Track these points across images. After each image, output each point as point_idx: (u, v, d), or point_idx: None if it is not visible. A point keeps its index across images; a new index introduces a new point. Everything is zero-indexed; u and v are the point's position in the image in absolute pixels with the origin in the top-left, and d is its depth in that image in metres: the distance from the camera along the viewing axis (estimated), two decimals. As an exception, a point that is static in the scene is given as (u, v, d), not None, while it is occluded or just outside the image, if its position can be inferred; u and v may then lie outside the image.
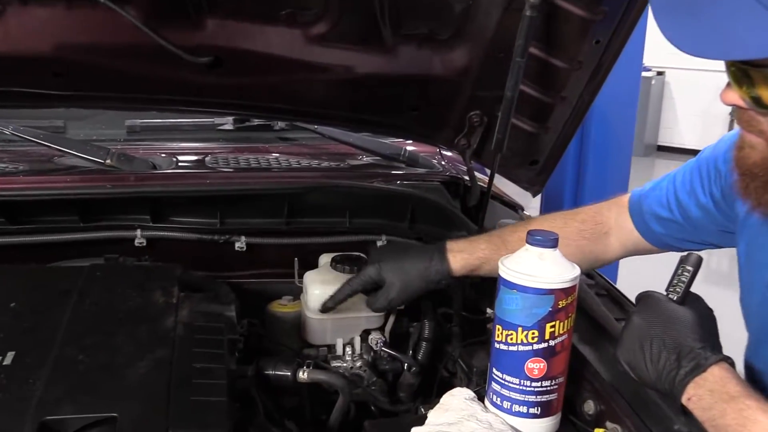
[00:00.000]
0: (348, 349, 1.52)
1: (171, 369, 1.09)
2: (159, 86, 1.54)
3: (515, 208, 1.95)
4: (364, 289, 1.40)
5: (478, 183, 1.81)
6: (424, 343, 1.51)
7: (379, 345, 1.51)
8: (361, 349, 1.53)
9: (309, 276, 1.54)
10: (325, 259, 1.62)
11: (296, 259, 1.62)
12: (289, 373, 1.34)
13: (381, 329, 1.55)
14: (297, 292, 1.60)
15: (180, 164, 1.86)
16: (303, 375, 1.35)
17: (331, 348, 1.54)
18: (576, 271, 1.13)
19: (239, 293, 1.56)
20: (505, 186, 1.94)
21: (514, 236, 1.34)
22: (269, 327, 1.58)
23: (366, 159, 2.03)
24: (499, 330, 1.15)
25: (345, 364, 1.51)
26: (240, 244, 1.71)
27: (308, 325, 1.52)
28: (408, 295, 1.36)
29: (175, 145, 2.04)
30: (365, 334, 1.54)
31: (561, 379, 1.15)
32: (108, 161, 1.72)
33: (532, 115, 1.63)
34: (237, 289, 1.60)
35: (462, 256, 1.35)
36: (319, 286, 1.50)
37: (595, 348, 1.27)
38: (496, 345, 1.16)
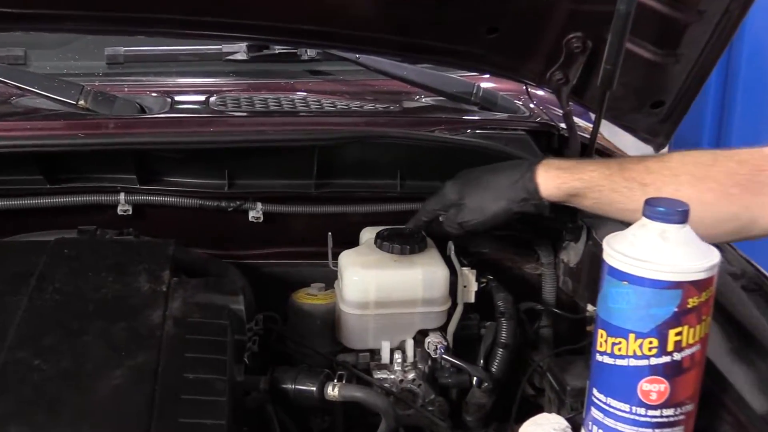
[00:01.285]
0: (397, 356, 1.52)
1: (156, 380, 1.08)
2: (149, 0, 1.54)
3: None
4: (443, 209, 1.52)
5: (579, 133, 1.78)
6: (500, 350, 1.52)
7: (439, 351, 1.50)
8: (414, 356, 1.53)
9: (346, 257, 1.55)
10: (368, 234, 1.63)
11: (329, 234, 1.62)
12: (314, 388, 1.34)
13: (442, 330, 1.55)
14: (331, 279, 1.61)
15: (176, 107, 1.86)
16: (332, 391, 1.36)
17: (374, 354, 1.54)
18: (714, 256, 1.10)
19: (252, 279, 1.58)
20: (616, 137, 1.91)
21: (639, 166, 1.36)
22: (292, 325, 1.59)
23: (425, 100, 2.01)
24: (602, 336, 1.13)
25: (392, 376, 1.52)
26: (255, 213, 1.72)
27: (344, 322, 1.52)
28: (485, 216, 1.46)
29: (170, 80, 2.04)
30: (421, 336, 1.54)
31: (690, 407, 1.13)
32: (81, 102, 1.72)
33: (655, 38, 1.60)
34: (250, 274, 1.60)
35: (558, 174, 1.40)
36: (359, 270, 1.50)
37: (739, 364, 1.24)
38: (599, 357, 1.14)
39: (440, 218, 1.56)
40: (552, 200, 1.42)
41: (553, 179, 1.41)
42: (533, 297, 1.71)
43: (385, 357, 1.53)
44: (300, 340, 1.56)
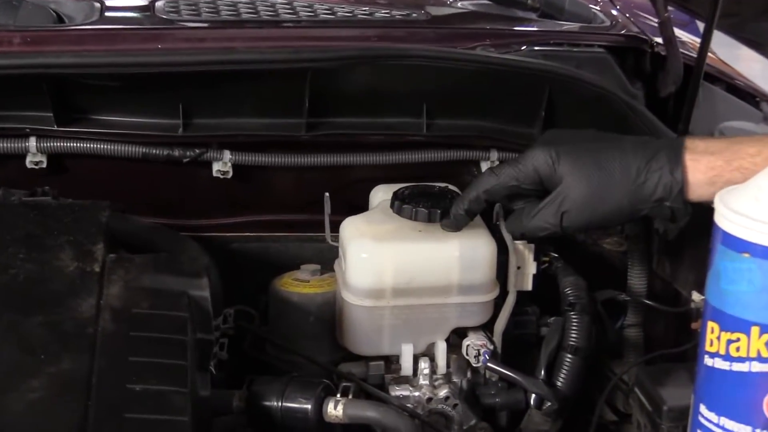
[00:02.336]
0: (424, 365, 1.55)
1: (88, 393, 1.09)
2: None
3: (756, 99, 1.93)
4: (520, 189, 1.47)
5: (681, 51, 1.81)
6: (568, 357, 1.55)
7: (482, 358, 1.53)
8: (448, 366, 1.56)
9: (351, 226, 1.57)
10: (381, 195, 1.66)
11: (326, 195, 1.64)
12: (308, 406, 1.36)
13: (487, 328, 1.58)
14: (329, 258, 1.65)
15: (108, 14, 1.88)
16: (335, 409, 1.37)
17: (391, 362, 1.58)
18: None
19: (219, 258, 1.61)
20: (736, 59, 1.97)
21: None
22: (275, 323, 1.63)
23: (461, 3, 2.04)
24: (713, 332, 1.14)
25: (417, 394, 1.54)
26: (221, 165, 1.76)
27: (349, 318, 1.55)
28: (599, 214, 1.43)
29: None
30: (457, 338, 1.58)
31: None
32: (-35, 8, 1.88)
33: None
34: (215, 252, 1.64)
35: (710, 163, 1.39)
36: (369, 244, 1.52)
37: None
38: (709, 361, 1.15)
39: (512, 204, 1.53)
40: (698, 201, 1.41)
41: (705, 171, 1.39)
42: (615, 283, 1.71)
43: (407, 367, 1.55)
44: (286, 345, 1.57)
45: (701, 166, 1.39)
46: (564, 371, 1.54)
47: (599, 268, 1.75)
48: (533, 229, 1.48)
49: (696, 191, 1.39)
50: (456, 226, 1.53)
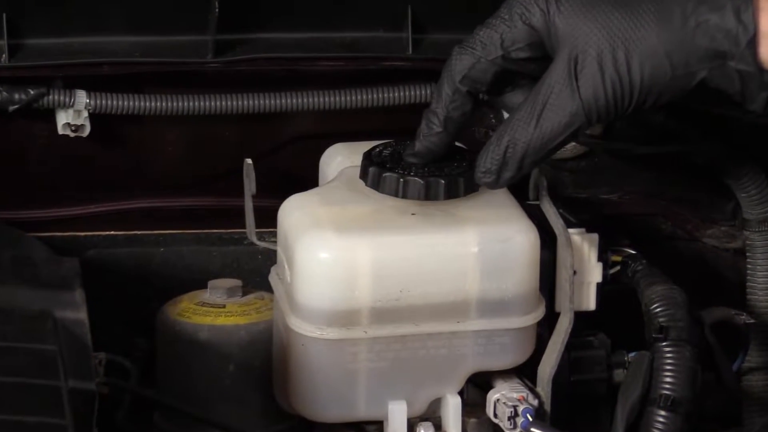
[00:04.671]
0: None
1: None
2: None
3: None
4: (511, 62, 1.47)
5: None
6: (660, 414, 1.50)
7: (522, 420, 1.48)
8: None
9: (299, 209, 1.51)
10: (341, 158, 1.62)
11: (248, 161, 1.62)
12: None
13: (524, 372, 1.52)
14: (250, 269, 1.73)
15: None
16: None
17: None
18: None
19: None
20: None
21: None
22: (171, 373, 1.61)
23: None
24: None
25: None
26: (72, 115, 1.75)
27: (300, 361, 1.48)
28: (628, 82, 1.43)
29: None
30: (476, 390, 1.52)
31: None
32: None
33: None
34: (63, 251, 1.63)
35: None
36: (331, 237, 1.45)
37: None
38: None
39: (506, 99, 1.50)
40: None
41: None
42: (725, 297, 1.69)
43: (396, 438, 1.33)
44: (191, 414, 1.54)
45: None
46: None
47: (698, 272, 1.74)
48: (549, 134, 1.44)
49: None
50: (429, 153, 1.50)
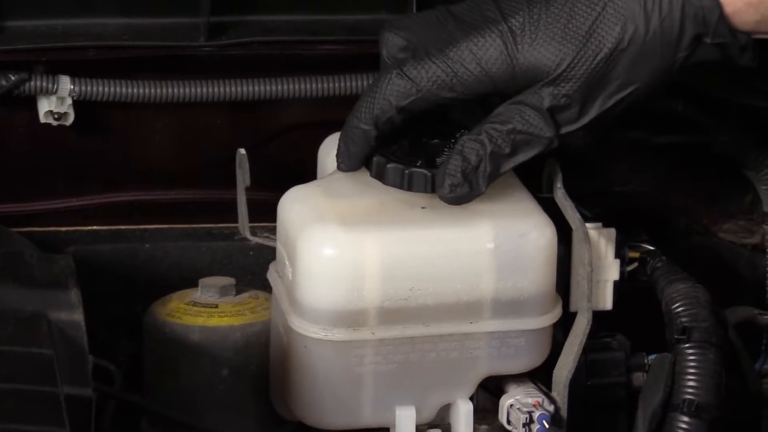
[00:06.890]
0: None
1: None
2: None
3: None
4: (455, 101, 1.43)
5: None
6: (683, 420, 1.47)
7: (537, 427, 1.45)
8: None
9: (301, 202, 1.47)
10: (331, 143, 1.53)
11: (241, 151, 1.56)
12: None
13: (539, 376, 1.48)
14: (243, 265, 1.71)
15: None
16: None
17: None
18: None
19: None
20: None
21: None
22: (160, 378, 1.58)
23: None
24: None
25: None
26: (55, 102, 1.71)
27: (302, 365, 1.44)
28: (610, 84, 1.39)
29: None
30: (488, 395, 1.49)
31: None
32: None
33: None
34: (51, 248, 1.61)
35: None
36: (337, 232, 1.41)
37: None
38: None
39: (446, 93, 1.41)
40: (745, 31, 1.41)
41: None
42: (741, 295, 1.69)
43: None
44: (182, 421, 1.51)
45: None
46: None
47: (719, 270, 1.69)
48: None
49: (740, 17, 1.41)
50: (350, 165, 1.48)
